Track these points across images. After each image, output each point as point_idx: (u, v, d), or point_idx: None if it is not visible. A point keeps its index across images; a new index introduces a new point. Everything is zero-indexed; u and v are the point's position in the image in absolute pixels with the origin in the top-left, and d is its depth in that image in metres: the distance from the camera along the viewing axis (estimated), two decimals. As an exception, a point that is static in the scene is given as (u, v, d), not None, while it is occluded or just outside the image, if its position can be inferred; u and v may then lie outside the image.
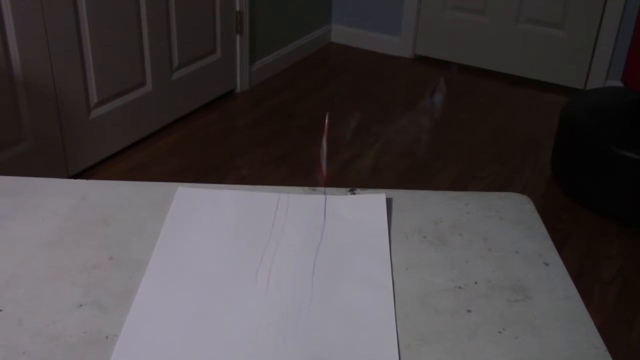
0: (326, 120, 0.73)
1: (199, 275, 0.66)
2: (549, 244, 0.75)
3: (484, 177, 2.46)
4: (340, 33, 3.61)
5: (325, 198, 0.78)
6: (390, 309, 0.63)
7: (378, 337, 0.60)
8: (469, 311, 0.64)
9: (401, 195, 0.82)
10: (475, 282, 0.68)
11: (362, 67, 3.39)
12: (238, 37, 2.92)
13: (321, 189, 0.79)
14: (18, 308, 0.62)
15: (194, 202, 0.78)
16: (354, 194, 0.80)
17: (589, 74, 3.11)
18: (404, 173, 2.46)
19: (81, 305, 0.63)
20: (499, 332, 0.62)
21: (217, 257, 0.69)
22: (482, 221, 0.78)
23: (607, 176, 2.21)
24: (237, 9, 2.86)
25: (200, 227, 0.73)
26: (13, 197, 0.78)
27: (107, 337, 0.59)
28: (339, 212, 0.76)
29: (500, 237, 0.76)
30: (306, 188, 0.81)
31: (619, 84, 2.82)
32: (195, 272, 0.67)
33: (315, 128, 2.77)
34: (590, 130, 2.24)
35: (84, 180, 0.83)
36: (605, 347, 0.61)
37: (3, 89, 1.98)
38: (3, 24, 1.93)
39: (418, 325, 0.62)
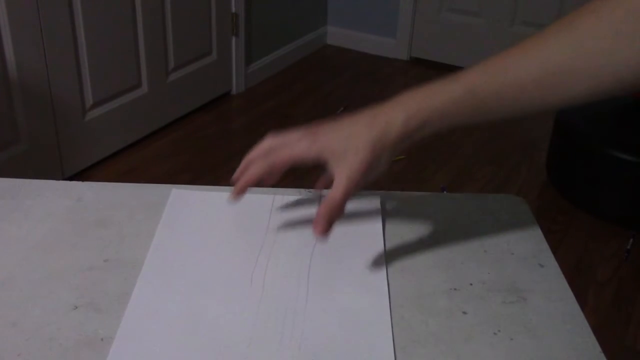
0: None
1: (194, 277, 0.66)
2: (544, 245, 0.75)
3: (480, 179, 2.46)
4: (336, 35, 3.61)
5: (321, 199, 0.78)
6: (386, 310, 0.64)
7: (374, 338, 0.60)
8: (464, 313, 0.64)
9: (396, 197, 0.82)
10: (471, 284, 0.68)
11: (358, 69, 3.40)
12: (234, 39, 2.92)
13: (317, 190, 0.79)
14: (13, 310, 0.62)
15: (188, 204, 0.77)
16: (350, 195, 0.80)
17: (584, 76, 3.12)
18: (399, 174, 2.46)
19: (76, 307, 0.63)
20: (494, 333, 0.62)
21: (212, 259, 0.69)
22: (478, 223, 0.78)
23: (602, 178, 2.22)
24: (233, 10, 2.86)
25: (195, 229, 0.73)
26: (8, 198, 0.78)
27: (102, 339, 0.59)
28: None
29: (495, 238, 0.76)
30: (301, 190, 0.81)
31: (614, 86, 2.83)
32: (190, 274, 0.67)
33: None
34: (585, 132, 2.24)
35: (80, 182, 0.82)
36: (600, 349, 0.61)
37: (-2, 90, 1.98)
38: (-2, 25, 1.93)
39: (414, 327, 0.62)
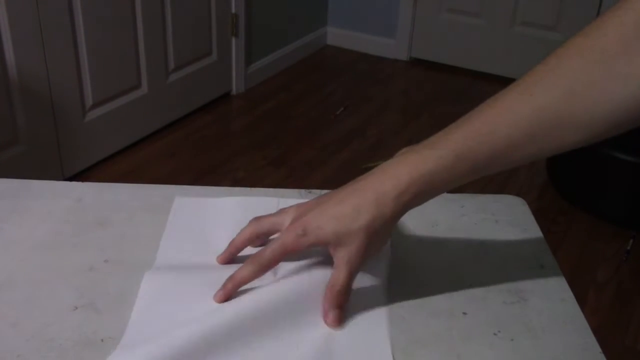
0: None
1: (199, 282, 0.66)
2: (544, 246, 0.75)
3: (479, 179, 2.46)
4: (336, 35, 3.61)
5: None
6: (384, 310, 0.64)
7: (372, 338, 0.60)
8: (464, 313, 0.64)
9: (397, 198, 0.82)
10: (471, 284, 0.68)
11: (358, 69, 3.40)
12: (234, 40, 2.92)
13: (317, 191, 0.79)
14: (13, 310, 0.62)
15: (191, 211, 0.77)
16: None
17: (584, 77, 3.12)
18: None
19: (76, 308, 0.63)
20: (495, 334, 0.62)
21: (217, 264, 0.68)
22: (478, 223, 0.78)
23: (602, 178, 2.22)
24: (233, 11, 2.86)
25: (199, 236, 0.73)
26: (8, 199, 0.78)
27: (102, 340, 0.59)
28: None
29: (495, 239, 0.76)
30: (302, 190, 0.81)
31: (614, 86, 2.84)
32: (195, 279, 0.66)
33: (312, 130, 2.78)
34: (585, 133, 2.24)
35: (80, 183, 0.82)
36: (600, 349, 0.61)
37: (-2, 91, 1.98)
38: (-2, 26, 1.93)
39: (414, 328, 0.62)
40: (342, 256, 0.61)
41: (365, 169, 0.70)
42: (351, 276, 0.62)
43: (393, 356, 0.59)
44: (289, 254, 0.62)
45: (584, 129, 0.58)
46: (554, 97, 0.57)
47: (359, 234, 0.60)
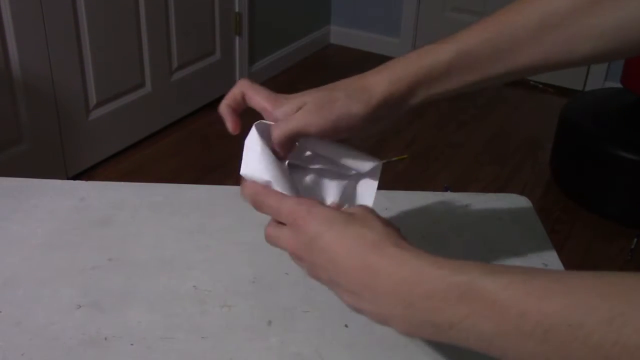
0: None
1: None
2: (548, 244, 0.75)
3: (483, 178, 2.46)
4: (340, 34, 3.61)
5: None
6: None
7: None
8: (468, 312, 0.64)
9: (400, 196, 0.82)
10: (474, 283, 0.68)
11: (361, 68, 3.38)
12: (237, 39, 2.92)
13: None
14: (17, 309, 0.62)
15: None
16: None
17: (588, 75, 3.12)
18: (402, 174, 2.46)
19: (80, 307, 0.63)
20: (498, 333, 0.62)
21: None
22: (481, 222, 0.78)
23: (606, 177, 2.21)
24: (237, 10, 2.86)
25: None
26: (12, 198, 0.78)
27: (105, 338, 0.59)
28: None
29: (499, 238, 0.76)
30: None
31: (617, 85, 2.82)
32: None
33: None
34: (589, 131, 2.24)
35: (83, 182, 0.83)
36: (604, 348, 0.61)
37: (2, 90, 1.98)
38: (2, 24, 1.93)
39: (417, 327, 0.62)
40: (297, 118, 0.60)
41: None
42: (286, 137, 0.62)
43: None
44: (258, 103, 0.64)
45: (594, 39, 0.55)
46: (564, 3, 0.56)
47: (327, 122, 0.60)
